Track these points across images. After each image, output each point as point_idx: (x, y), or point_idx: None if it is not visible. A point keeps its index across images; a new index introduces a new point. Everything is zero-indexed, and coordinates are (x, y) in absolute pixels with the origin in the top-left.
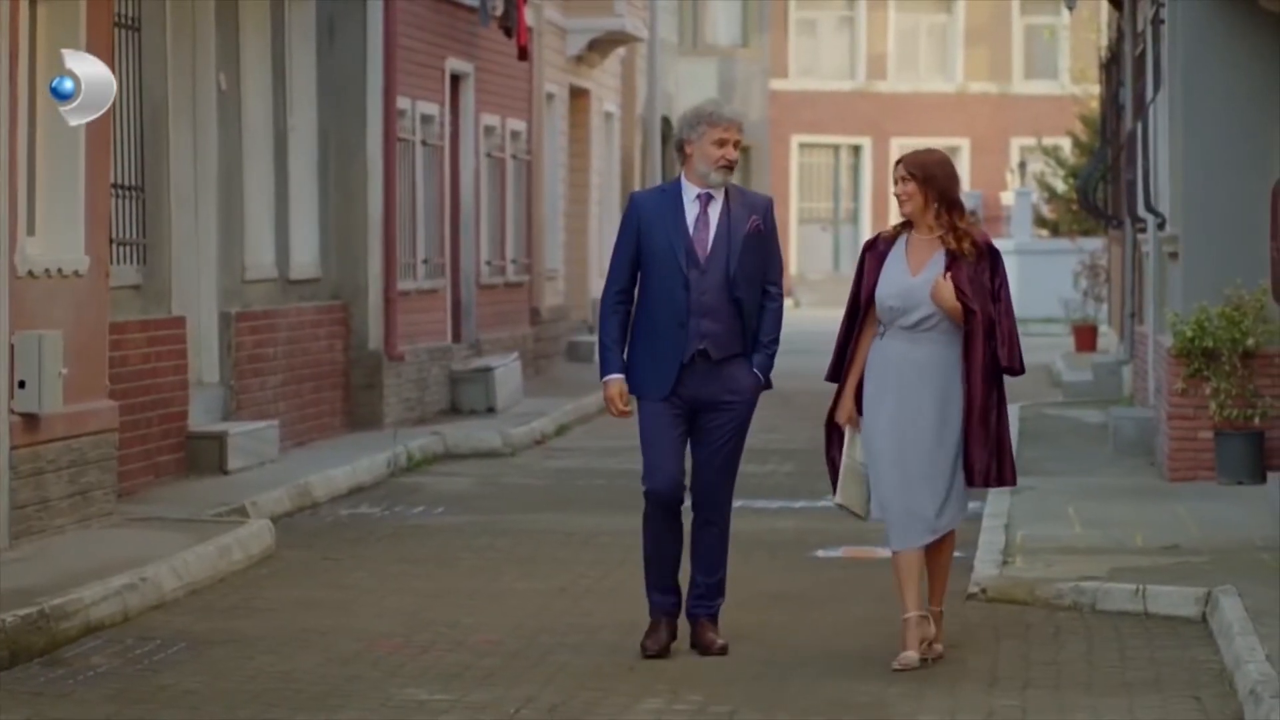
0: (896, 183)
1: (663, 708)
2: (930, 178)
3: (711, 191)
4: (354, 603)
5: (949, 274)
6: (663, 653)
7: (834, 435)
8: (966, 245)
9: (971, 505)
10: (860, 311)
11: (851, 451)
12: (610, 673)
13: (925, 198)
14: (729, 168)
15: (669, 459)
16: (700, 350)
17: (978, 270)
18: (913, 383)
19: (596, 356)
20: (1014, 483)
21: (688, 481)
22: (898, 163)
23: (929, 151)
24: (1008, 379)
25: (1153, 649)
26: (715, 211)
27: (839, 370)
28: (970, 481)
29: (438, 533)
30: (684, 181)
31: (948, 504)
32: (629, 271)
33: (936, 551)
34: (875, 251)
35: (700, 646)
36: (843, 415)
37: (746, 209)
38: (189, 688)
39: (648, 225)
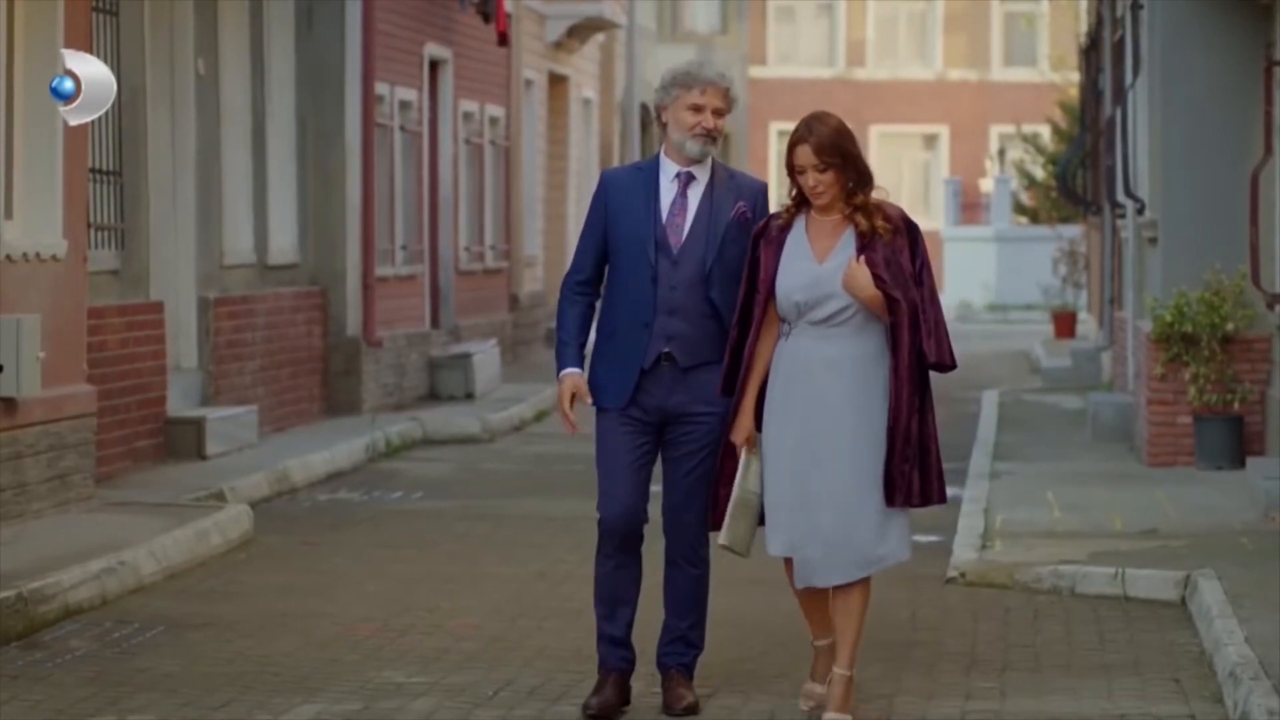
0: (804, 172)
1: (642, 690)
2: (848, 158)
3: (693, 171)
4: (332, 587)
5: (862, 257)
6: (608, 716)
7: (728, 463)
8: (879, 222)
9: (950, 491)
10: (760, 311)
11: (744, 481)
12: (589, 656)
13: (842, 184)
14: (708, 138)
15: (626, 483)
16: (665, 354)
17: (894, 250)
18: (827, 386)
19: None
20: (943, 500)
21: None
22: (797, 144)
23: (824, 121)
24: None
25: (1132, 632)
26: (696, 194)
27: (734, 381)
28: (889, 501)
29: (416, 518)
30: (663, 158)
31: (887, 531)
32: (594, 260)
33: (844, 598)
34: (769, 239)
35: (667, 705)
36: (740, 435)
37: (733, 193)
38: (167, 671)
39: (617, 207)
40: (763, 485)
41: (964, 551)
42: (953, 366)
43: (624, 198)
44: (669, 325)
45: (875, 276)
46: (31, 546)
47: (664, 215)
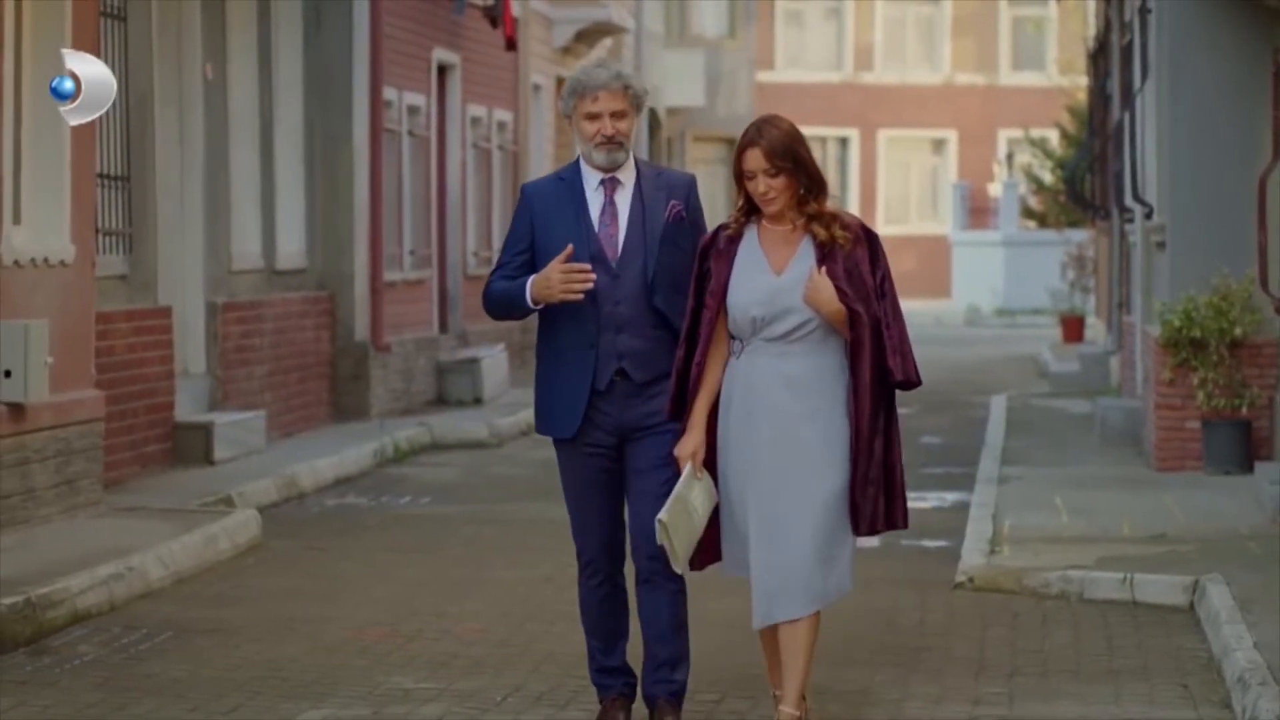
0: (754, 177)
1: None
2: (800, 163)
3: (618, 175)
4: (340, 592)
5: (823, 268)
6: None
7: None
8: (838, 231)
9: (958, 496)
10: (708, 327)
11: (687, 491)
12: None
13: (794, 190)
14: (612, 144)
15: (600, 512)
16: (619, 371)
17: (855, 261)
18: (787, 405)
19: (505, 306)
20: (905, 525)
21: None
22: (747, 148)
23: (775, 124)
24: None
25: (1140, 637)
26: (625, 199)
27: (683, 405)
28: (854, 528)
29: (424, 522)
30: (583, 165)
31: (841, 561)
32: (524, 272)
33: (792, 631)
34: (719, 251)
35: None
36: (687, 448)
37: (664, 192)
38: (175, 676)
39: (544, 223)
40: (710, 507)
41: (972, 556)
42: (918, 384)
43: (550, 212)
44: (618, 343)
45: (836, 289)
46: (39, 552)
47: (595, 225)
